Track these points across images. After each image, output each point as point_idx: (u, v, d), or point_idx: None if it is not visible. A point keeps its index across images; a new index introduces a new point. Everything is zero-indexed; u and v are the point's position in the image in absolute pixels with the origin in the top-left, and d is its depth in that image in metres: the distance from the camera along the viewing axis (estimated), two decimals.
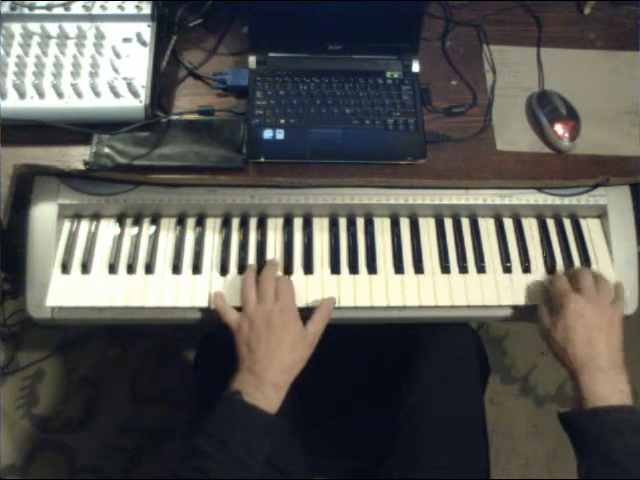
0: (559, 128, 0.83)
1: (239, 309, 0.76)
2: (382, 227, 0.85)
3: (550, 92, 0.88)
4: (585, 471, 0.66)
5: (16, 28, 0.82)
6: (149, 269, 0.81)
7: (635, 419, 0.67)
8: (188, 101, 0.85)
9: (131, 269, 0.81)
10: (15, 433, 1.37)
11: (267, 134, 0.81)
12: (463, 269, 0.83)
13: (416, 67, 0.88)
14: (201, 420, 0.67)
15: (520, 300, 0.81)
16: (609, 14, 0.97)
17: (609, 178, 0.82)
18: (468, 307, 0.81)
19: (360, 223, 0.86)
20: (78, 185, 0.81)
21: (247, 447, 0.65)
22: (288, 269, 0.82)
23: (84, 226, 0.83)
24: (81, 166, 0.78)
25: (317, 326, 0.75)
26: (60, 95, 0.78)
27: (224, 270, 0.81)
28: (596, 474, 0.65)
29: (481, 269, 0.83)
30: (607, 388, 0.68)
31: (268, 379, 0.69)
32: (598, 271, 0.81)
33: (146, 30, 0.84)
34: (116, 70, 0.81)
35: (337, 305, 0.80)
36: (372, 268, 0.82)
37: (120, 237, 0.83)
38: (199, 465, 0.64)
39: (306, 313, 0.76)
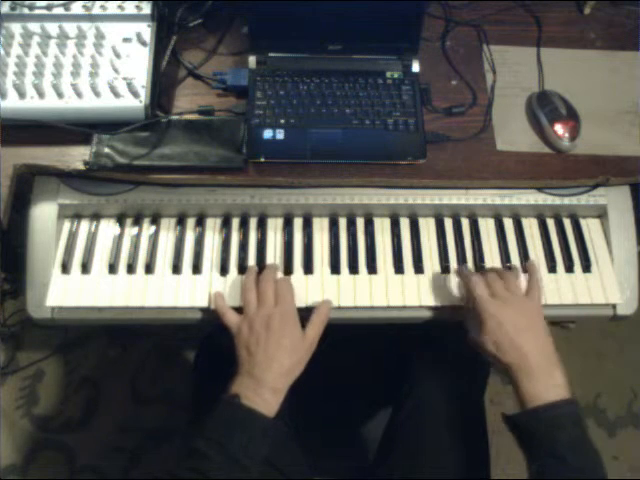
0: (559, 128, 0.83)
1: (239, 309, 0.76)
2: (382, 227, 0.85)
3: (550, 92, 0.88)
4: (535, 471, 0.66)
5: (16, 28, 0.82)
6: (149, 269, 0.81)
7: (574, 411, 0.68)
8: (188, 101, 0.85)
9: (131, 269, 0.81)
10: (15, 433, 1.37)
11: (267, 134, 0.81)
12: None
13: (416, 67, 0.88)
14: (200, 422, 0.68)
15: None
16: (609, 14, 0.97)
17: (609, 178, 0.82)
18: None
19: (360, 223, 0.86)
20: (78, 185, 0.81)
21: (245, 450, 0.65)
22: (288, 269, 0.82)
23: (84, 226, 0.83)
24: (81, 166, 0.78)
25: (315, 329, 0.75)
26: (60, 95, 0.78)
27: (224, 270, 0.81)
28: (547, 472, 0.65)
29: (481, 269, 0.83)
30: (543, 385, 0.68)
31: (267, 383, 0.69)
32: (502, 268, 0.80)
33: (146, 30, 0.84)
34: (116, 70, 0.81)
35: (337, 305, 0.80)
36: (372, 268, 0.82)
37: (120, 237, 0.83)
38: (197, 466, 0.64)
39: (306, 313, 0.77)
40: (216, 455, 0.64)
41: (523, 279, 0.79)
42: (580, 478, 0.63)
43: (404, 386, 0.87)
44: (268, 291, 0.75)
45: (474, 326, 0.74)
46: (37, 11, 0.83)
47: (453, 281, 0.82)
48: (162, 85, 0.85)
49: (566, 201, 0.85)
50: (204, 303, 0.79)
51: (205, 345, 0.97)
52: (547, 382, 0.68)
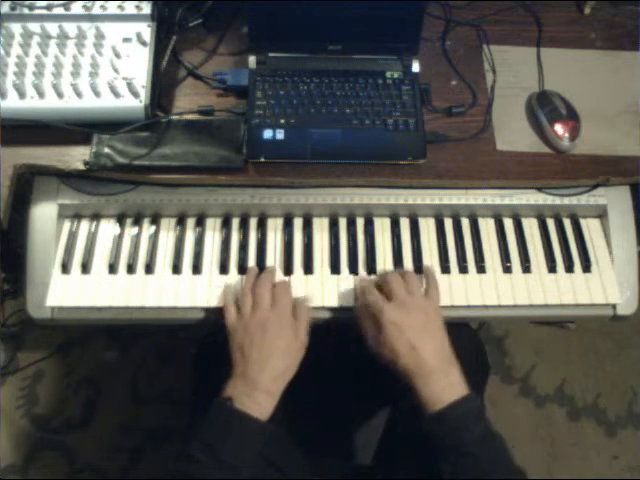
0: (559, 128, 0.83)
1: None
2: (382, 227, 0.85)
3: (550, 92, 0.88)
4: (449, 472, 0.66)
5: (16, 28, 0.82)
6: (149, 269, 0.81)
7: (474, 406, 0.68)
8: (188, 101, 0.85)
9: (131, 269, 0.81)
10: (15, 433, 1.37)
11: (267, 134, 0.81)
12: (463, 269, 0.83)
13: (416, 67, 0.88)
14: (195, 424, 0.68)
15: (520, 300, 0.81)
16: (609, 14, 0.97)
17: (609, 178, 0.82)
18: (468, 307, 0.81)
19: (360, 223, 0.86)
20: (78, 185, 0.81)
21: (237, 454, 0.65)
22: (288, 269, 0.82)
23: (84, 226, 0.83)
24: (81, 166, 0.78)
25: (303, 330, 0.74)
26: (60, 95, 0.78)
27: (224, 270, 0.81)
28: (460, 472, 0.65)
29: (481, 269, 0.83)
30: (442, 387, 0.68)
31: (260, 386, 0.69)
32: (403, 269, 0.80)
33: (146, 30, 0.84)
34: (116, 70, 0.81)
35: (337, 306, 0.80)
36: (372, 268, 0.82)
37: (120, 237, 0.83)
38: (188, 470, 0.64)
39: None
40: (208, 460, 0.64)
41: (420, 283, 0.77)
42: (493, 469, 0.65)
43: (403, 386, 0.87)
44: (265, 294, 0.75)
45: (371, 330, 0.73)
46: (37, 11, 0.83)
47: (453, 281, 0.82)
48: (162, 85, 0.85)
49: (566, 201, 0.85)
50: (204, 303, 0.79)
51: (205, 345, 0.97)
52: (444, 382, 0.68)
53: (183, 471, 0.64)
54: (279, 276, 0.81)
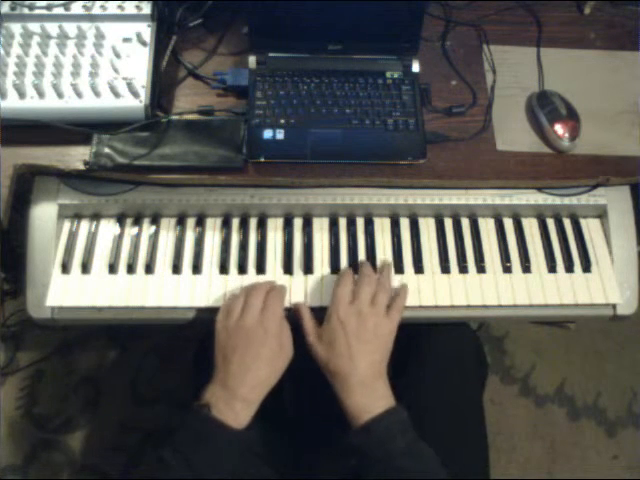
0: (559, 128, 0.83)
1: None
2: (382, 227, 0.85)
3: (550, 92, 0.88)
4: None
5: (16, 28, 0.82)
6: (149, 269, 0.81)
7: (400, 419, 0.67)
8: (188, 101, 0.85)
9: (131, 269, 0.81)
10: (15, 433, 1.37)
11: (267, 134, 0.81)
12: (463, 269, 0.83)
13: (416, 67, 0.88)
14: (172, 429, 0.67)
15: (520, 300, 0.81)
16: (609, 14, 0.97)
17: (609, 178, 0.82)
18: (468, 307, 0.81)
19: (360, 223, 0.86)
20: (78, 185, 0.81)
21: (211, 464, 0.64)
22: (288, 269, 0.82)
23: (84, 226, 0.83)
24: (81, 166, 0.78)
25: (289, 337, 0.74)
26: (60, 95, 0.78)
27: (224, 270, 0.81)
28: None
29: (481, 269, 0.83)
30: (370, 399, 0.68)
31: (239, 394, 0.68)
32: (383, 277, 0.78)
33: (146, 30, 0.84)
34: (116, 70, 0.81)
35: None
36: (372, 268, 0.82)
37: (120, 237, 0.83)
38: (158, 473, 0.64)
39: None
40: (180, 467, 0.64)
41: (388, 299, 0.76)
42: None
43: (403, 386, 0.87)
44: (256, 300, 0.73)
45: (315, 324, 0.74)
46: (37, 11, 0.83)
47: (453, 281, 0.82)
48: (162, 85, 0.85)
49: (566, 201, 0.85)
50: (204, 303, 0.79)
51: (205, 345, 0.97)
52: (373, 394, 0.68)
53: (151, 472, 0.64)
54: (279, 275, 0.81)
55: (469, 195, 0.84)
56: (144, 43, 0.83)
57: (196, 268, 0.81)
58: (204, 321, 0.80)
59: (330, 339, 0.71)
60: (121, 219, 0.84)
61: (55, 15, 0.83)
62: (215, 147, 0.80)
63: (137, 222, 0.84)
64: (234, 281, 0.81)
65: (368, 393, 0.68)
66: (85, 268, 0.80)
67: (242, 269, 0.81)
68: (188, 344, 1.43)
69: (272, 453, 0.83)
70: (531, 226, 0.87)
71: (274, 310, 0.73)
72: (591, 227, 0.87)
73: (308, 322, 0.75)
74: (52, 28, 0.83)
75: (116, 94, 0.79)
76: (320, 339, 0.72)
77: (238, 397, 0.68)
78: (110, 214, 0.84)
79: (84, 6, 0.84)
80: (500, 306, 0.81)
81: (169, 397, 1.41)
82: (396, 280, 0.82)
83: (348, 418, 0.68)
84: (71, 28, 0.83)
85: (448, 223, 0.86)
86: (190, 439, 0.66)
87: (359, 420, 0.67)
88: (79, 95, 0.79)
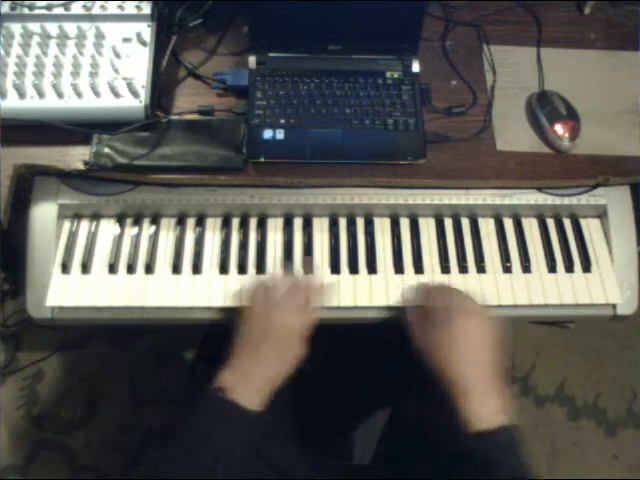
0: (559, 128, 0.83)
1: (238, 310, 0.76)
2: (382, 227, 0.85)
3: (550, 92, 0.88)
4: None
5: (16, 28, 0.82)
6: (149, 269, 0.81)
7: (512, 438, 0.67)
8: (188, 101, 0.85)
9: (131, 269, 0.81)
10: (15, 433, 1.37)
11: (267, 134, 0.81)
12: (463, 269, 0.83)
13: (416, 67, 0.88)
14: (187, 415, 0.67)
15: (520, 300, 0.81)
16: (609, 14, 0.97)
17: (609, 178, 0.82)
18: None
19: (360, 223, 0.86)
20: (78, 185, 0.81)
21: (229, 445, 0.64)
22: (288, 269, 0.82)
23: (84, 226, 0.83)
24: (81, 166, 0.78)
25: (304, 337, 0.73)
26: (60, 95, 0.78)
27: (224, 270, 0.81)
28: None
29: (481, 269, 0.83)
30: (489, 409, 0.67)
31: (254, 383, 0.68)
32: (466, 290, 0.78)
33: (146, 30, 0.84)
34: (116, 70, 0.81)
35: (337, 305, 0.80)
36: (372, 268, 0.82)
37: (120, 237, 0.83)
38: (178, 459, 0.64)
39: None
40: (199, 449, 0.64)
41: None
42: None
43: (403, 386, 0.87)
44: (277, 293, 0.73)
45: (428, 331, 0.73)
46: (37, 11, 0.83)
47: (453, 281, 0.82)
48: (162, 85, 0.85)
49: (566, 201, 0.85)
50: (204, 303, 0.79)
51: (205, 345, 0.97)
52: (494, 406, 0.68)
53: (170, 458, 0.64)
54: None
55: (469, 195, 0.84)
56: (144, 43, 0.83)
57: (196, 268, 0.81)
58: (204, 321, 0.80)
59: (449, 349, 0.70)
60: (121, 219, 0.84)
61: (55, 15, 0.83)
62: (215, 147, 0.80)
63: (137, 222, 0.84)
64: (234, 281, 0.81)
65: (489, 403, 0.68)
66: (85, 268, 0.80)
67: (242, 269, 0.81)
68: (188, 344, 1.44)
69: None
70: (531, 226, 0.87)
71: (294, 304, 0.73)
72: (591, 227, 0.87)
73: (420, 332, 0.74)
74: (52, 28, 0.83)
75: (116, 94, 0.79)
76: (436, 344, 0.71)
77: (252, 385, 0.68)
78: (110, 214, 0.84)
79: (84, 6, 0.84)
80: (500, 306, 0.81)
81: (168, 397, 1.41)
82: (396, 280, 0.82)
83: (460, 424, 0.67)
84: (71, 28, 0.83)
85: (448, 223, 0.86)
86: (207, 420, 0.66)
87: (473, 428, 0.66)
88: (79, 95, 0.79)
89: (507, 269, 0.83)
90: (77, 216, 0.84)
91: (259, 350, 0.70)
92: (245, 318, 0.73)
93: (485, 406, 0.67)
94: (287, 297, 0.73)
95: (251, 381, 0.68)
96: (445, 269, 0.83)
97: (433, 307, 0.73)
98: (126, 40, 0.83)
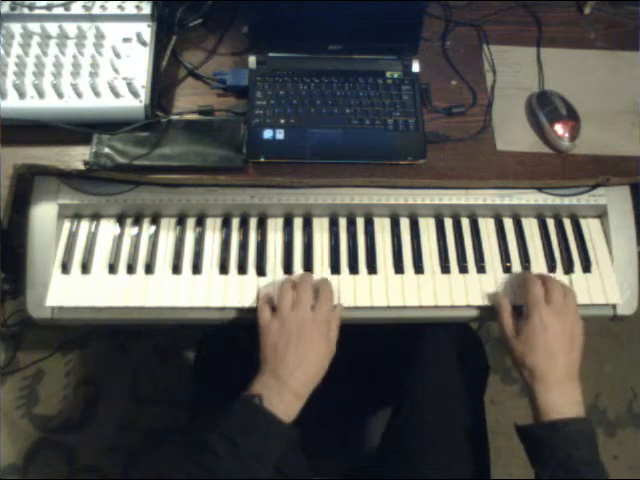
0: (559, 128, 0.83)
1: (238, 309, 0.76)
2: (382, 227, 0.85)
3: (550, 92, 0.88)
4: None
5: (16, 28, 0.82)
6: (149, 269, 0.81)
7: (589, 431, 0.69)
8: (188, 101, 0.85)
9: (131, 269, 0.81)
10: (15, 433, 1.37)
11: (267, 134, 0.81)
12: (463, 269, 0.83)
13: (416, 67, 0.88)
14: (213, 416, 0.66)
15: (520, 300, 0.81)
16: (609, 14, 0.97)
17: (609, 178, 0.82)
18: (468, 307, 0.81)
19: (360, 223, 0.86)
20: (78, 185, 0.81)
21: (259, 454, 0.64)
22: (288, 269, 0.82)
23: (84, 226, 0.83)
24: (81, 166, 0.78)
25: (334, 334, 0.74)
26: (60, 95, 0.78)
27: (224, 270, 0.81)
28: None
29: (481, 269, 0.83)
30: (564, 400, 0.69)
31: (291, 387, 0.68)
32: (566, 284, 0.79)
33: (146, 30, 0.84)
34: (116, 70, 0.81)
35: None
36: (372, 268, 0.82)
37: (120, 237, 0.83)
38: (206, 462, 0.63)
39: None
40: (228, 455, 0.63)
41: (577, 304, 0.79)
42: None
43: (404, 386, 0.87)
44: (306, 295, 0.74)
45: (511, 319, 0.75)
46: (37, 11, 0.83)
47: (453, 281, 0.82)
48: (162, 85, 0.85)
49: (566, 201, 0.85)
50: (204, 303, 0.79)
51: (205, 345, 0.97)
52: (569, 397, 0.70)
53: (205, 465, 0.63)
54: (279, 275, 0.81)
55: (469, 195, 0.84)
56: (144, 43, 0.83)
57: (196, 268, 0.81)
58: (204, 321, 0.80)
59: (529, 337, 0.72)
60: (121, 219, 0.84)
61: (55, 15, 0.83)
62: (215, 147, 0.80)
63: (137, 222, 0.84)
64: (234, 281, 0.81)
65: (564, 394, 0.70)
66: (85, 268, 0.80)
67: (242, 269, 0.81)
68: (188, 344, 1.44)
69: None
70: (531, 226, 0.87)
71: (324, 307, 0.74)
72: (591, 227, 0.87)
73: (508, 317, 0.76)
74: (52, 28, 0.83)
75: (116, 94, 0.79)
76: (518, 335, 0.73)
77: (289, 389, 0.68)
78: (110, 214, 0.84)
79: (84, 6, 0.84)
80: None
81: (169, 397, 1.41)
82: (396, 280, 0.82)
83: (536, 414, 0.70)
84: (71, 28, 0.83)
85: (448, 223, 0.86)
86: (240, 427, 0.65)
87: (547, 416, 0.68)
88: (79, 95, 0.79)
89: (507, 269, 0.83)
90: (77, 216, 0.84)
91: (295, 355, 0.69)
92: (273, 324, 0.72)
93: (560, 397, 0.69)
94: (305, 297, 0.73)
95: (289, 387, 0.68)
96: (445, 269, 0.83)
97: (525, 297, 0.75)
98: (126, 40, 0.83)
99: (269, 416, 0.65)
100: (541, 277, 0.78)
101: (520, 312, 0.77)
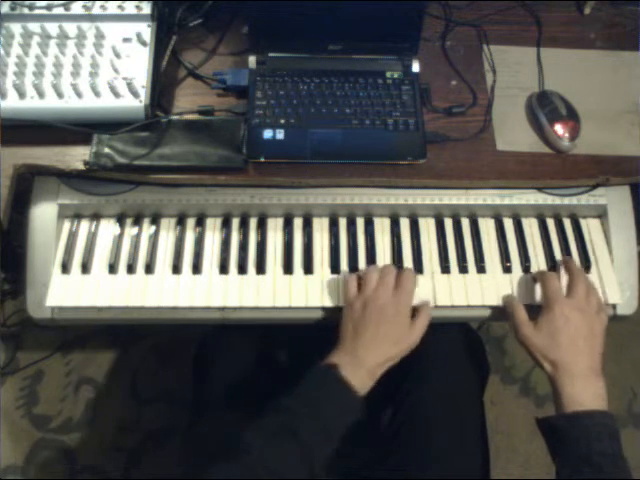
0: (559, 128, 0.83)
1: (236, 309, 0.75)
2: (382, 227, 0.85)
3: (550, 92, 0.88)
4: (568, 473, 0.66)
5: (16, 28, 0.82)
6: (149, 269, 0.81)
7: (611, 424, 0.68)
8: (188, 101, 0.85)
9: (131, 269, 0.81)
10: (15, 433, 1.37)
11: (267, 134, 0.81)
12: (463, 269, 0.83)
13: (416, 67, 0.88)
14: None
15: (520, 300, 0.81)
16: (609, 14, 0.97)
17: (609, 178, 0.82)
18: (468, 307, 0.81)
19: (360, 223, 0.86)
20: (78, 185, 0.81)
21: (335, 421, 0.65)
22: (288, 269, 0.82)
23: (84, 226, 0.83)
24: (81, 166, 0.78)
25: (420, 330, 0.74)
26: (60, 95, 0.78)
27: (224, 270, 0.81)
28: (579, 475, 0.65)
29: (481, 269, 0.83)
30: (587, 393, 0.69)
31: (366, 364, 0.69)
32: (590, 279, 0.80)
33: (146, 30, 0.84)
34: (116, 70, 0.81)
35: (336, 305, 0.80)
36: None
37: (120, 237, 0.83)
38: (288, 422, 0.64)
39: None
40: (306, 417, 0.64)
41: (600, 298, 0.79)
42: None
43: (404, 386, 0.87)
44: (391, 278, 0.75)
45: (526, 314, 0.75)
46: (37, 11, 0.83)
47: (453, 281, 0.82)
48: (162, 85, 0.85)
49: (566, 201, 0.85)
50: (204, 303, 0.79)
51: (205, 345, 0.97)
52: (591, 391, 0.69)
53: (287, 425, 0.63)
54: (279, 275, 0.81)
55: (469, 195, 0.84)
56: (144, 43, 0.83)
57: (196, 268, 0.81)
58: (204, 321, 0.80)
59: (552, 331, 0.72)
60: (121, 219, 0.84)
61: (55, 15, 0.83)
62: (215, 147, 0.80)
63: (137, 222, 0.84)
64: (234, 281, 0.81)
65: (587, 388, 0.70)
66: (85, 268, 0.80)
67: (242, 269, 0.81)
68: (188, 344, 1.43)
69: None
70: (531, 226, 0.87)
71: (407, 291, 0.75)
72: (591, 227, 0.87)
73: (521, 315, 0.76)
74: (52, 28, 0.83)
75: (116, 94, 0.79)
76: (538, 330, 0.73)
77: (365, 367, 0.69)
78: (110, 214, 0.84)
79: (84, 6, 0.84)
80: (500, 306, 0.81)
81: (169, 397, 1.41)
82: None
83: (558, 406, 0.70)
84: (71, 28, 0.83)
85: (448, 223, 0.86)
86: (318, 393, 0.66)
87: (570, 408, 0.68)
88: (79, 95, 0.79)
89: (507, 269, 0.83)
90: (77, 216, 0.84)
91: (374, 335, 0.70)
92: (357, 300, 0.74)
93: (583, 390, 0.69)
94: (389, 281, 0.74)
95: (365, 364, 0.69)
96: (445, 269, 0.83)
97: (544, 292, 0.76)
98: (126, 40, 0.83)
99: (345, 386, 0.66)
100: (570, 270, 0.78)
101: (531, 311, 0.76)
